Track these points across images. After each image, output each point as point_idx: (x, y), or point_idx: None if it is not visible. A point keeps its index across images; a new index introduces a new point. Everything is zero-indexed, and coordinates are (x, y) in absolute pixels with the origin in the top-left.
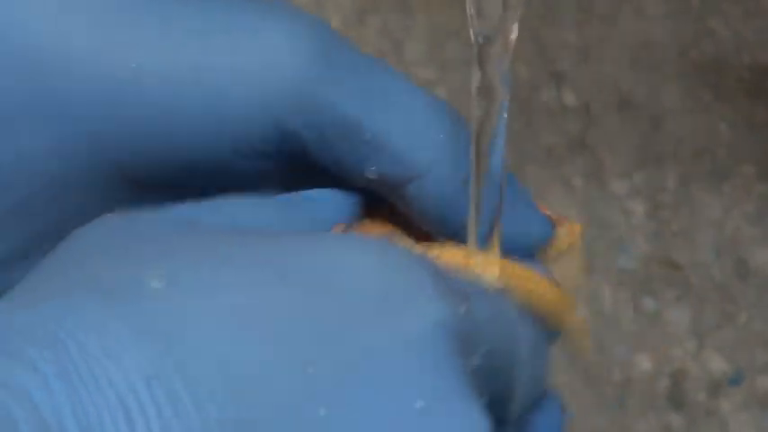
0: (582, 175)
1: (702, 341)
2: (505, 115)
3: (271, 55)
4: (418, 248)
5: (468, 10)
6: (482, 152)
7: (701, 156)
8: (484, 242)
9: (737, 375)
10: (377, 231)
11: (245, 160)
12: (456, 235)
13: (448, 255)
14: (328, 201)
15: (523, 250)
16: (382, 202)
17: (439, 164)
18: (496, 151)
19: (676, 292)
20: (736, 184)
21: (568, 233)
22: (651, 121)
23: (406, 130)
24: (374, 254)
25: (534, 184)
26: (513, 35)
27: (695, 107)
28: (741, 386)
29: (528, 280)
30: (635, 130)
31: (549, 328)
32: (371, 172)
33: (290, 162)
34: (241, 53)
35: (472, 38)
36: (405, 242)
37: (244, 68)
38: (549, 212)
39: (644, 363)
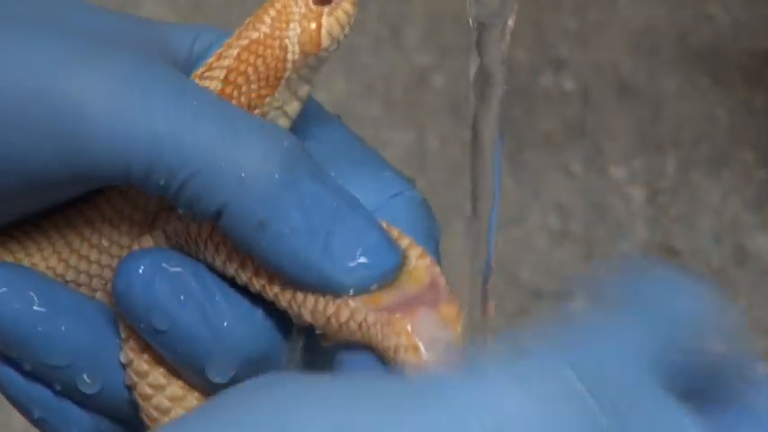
0: (581, 161)
1: None
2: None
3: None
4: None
5: None
6: (479, 140)
7: (701, 142)
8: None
9: None
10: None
11: (79, 184)
12: (285, 277)
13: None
14: None
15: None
16: None
17: (233, 203)
18: (494, 140)
19: None
20: (736, 170)
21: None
22: (650, 107)
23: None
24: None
25: (533, 171)
26: (512, 21)
27: (694, 93)
28: None
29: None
30: (634, 116)
31: None
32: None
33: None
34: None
35: (471, 23)
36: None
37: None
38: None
39: None
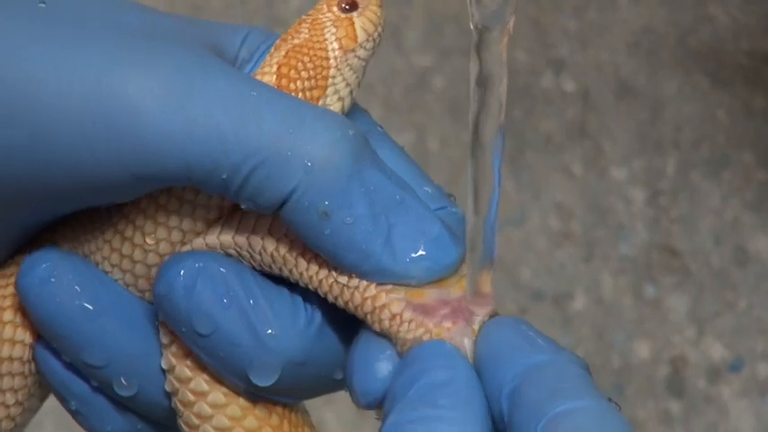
0: (581, 162)
1: (702, 328)
2: (503, 104)
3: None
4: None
5: None
6: (480, 142)
7: (701, 143)
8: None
9: (737, 362)
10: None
11: (139, 185)
12: (340, 264)
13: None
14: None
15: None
16: None
17: (299, 191)
18: (495, 141)
19: (676, 279)
20: (736, 171)
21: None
22: (650, 108)
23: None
24: None
25: (534, 172)
26: (512, 22)
27: (694, 94)
28: (741, 373)
29: None
30: (634, 117)
31: None
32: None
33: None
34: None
35: (471, 25)
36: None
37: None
38: None
39: (643, 350)
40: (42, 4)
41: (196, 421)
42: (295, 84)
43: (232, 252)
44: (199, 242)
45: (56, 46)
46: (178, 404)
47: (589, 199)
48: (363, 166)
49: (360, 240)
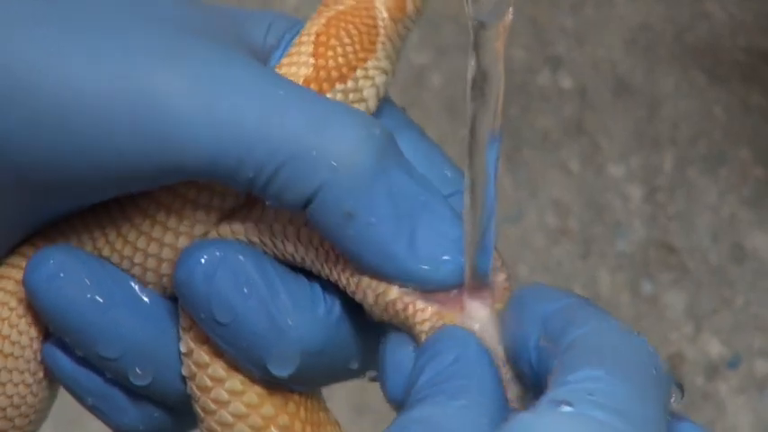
0: (579, 159)
1: (699, 325)
2: (501, 101)
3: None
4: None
5: None
6: (477, 139)
7: (698, 140)
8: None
9: (735, 359)
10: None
11: (163, 177)
12: (362, 265)
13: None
14: None
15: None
16: None
17: (324, 191)
18: (492, 139)
19: (673, 276)
20: (733, 168)
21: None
22: (647, 105)
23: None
24: None
25: (531, 169)
26: (509, 19)
27: (691, 91)
28: (738, 370)
29: None
30: (631, 114)
31: None
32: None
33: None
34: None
35: (468, 23)
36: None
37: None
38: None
39: None
40: None
41: (213, 407)
42: (334, 50)
43: (255, 240)
44: (222, 230)
45: (84, 36)
46: (195, 389)
47: (586, 196)
48: (388, 165)
49: (383, 242)
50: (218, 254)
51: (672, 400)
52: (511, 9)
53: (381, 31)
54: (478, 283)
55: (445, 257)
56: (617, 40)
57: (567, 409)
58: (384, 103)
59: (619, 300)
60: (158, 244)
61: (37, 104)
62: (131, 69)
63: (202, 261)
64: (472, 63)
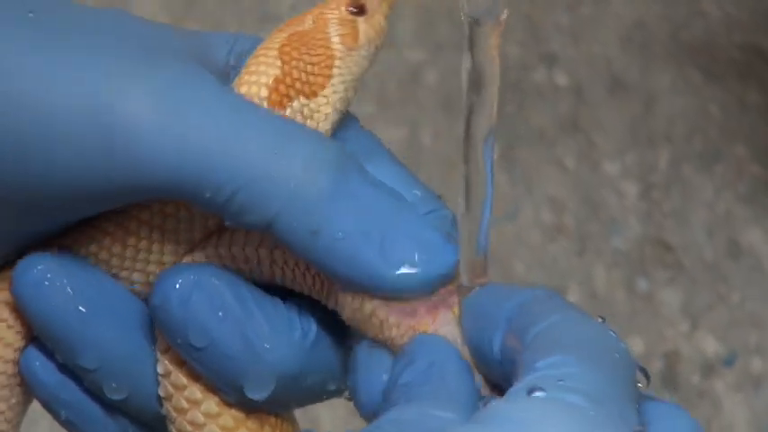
0: (574, 156)
1: (695, 322)
2: (496, 98)
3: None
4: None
5: None
6: (472, 136)
7: (693, 137)
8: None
9: (731, 356)
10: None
11: (134, 196)
12: (334, 277)
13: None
14: None
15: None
16: None
17: (285, 213)
18: (487, 136)
19: (669, 273)
20: (728, 164)
21: None
22: (643, 102)
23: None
24: None
25: (526, 166)
26: (504, 16)
27: (687, 88)
28: (734, 367)
29: None
30: (627, 111)
31: None
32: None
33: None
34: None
35: (463, 19)
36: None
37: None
38: None
39: (637, 344)
40: (31, 14)
41: (189, 428)
42: (299, 60)
43: (229, 263)
44: (196, 255)
45: (50, 58)
46: (171, 410)
47: (582, 193)
48: (347, 178)
49: (353, 254)
50: (192, 278)
51: (639, 385)
52: (506, 6)
53: (338, 54)
54: (468, 284)
55: (416, 261)
56: (612, 37)
57: (539, 394)
58: (351, 126)
59: (614, 297)
60: (145, 257)
61: (19, 125)
62: (101, 87)
63: (177, 286)
64: (467, 60)
